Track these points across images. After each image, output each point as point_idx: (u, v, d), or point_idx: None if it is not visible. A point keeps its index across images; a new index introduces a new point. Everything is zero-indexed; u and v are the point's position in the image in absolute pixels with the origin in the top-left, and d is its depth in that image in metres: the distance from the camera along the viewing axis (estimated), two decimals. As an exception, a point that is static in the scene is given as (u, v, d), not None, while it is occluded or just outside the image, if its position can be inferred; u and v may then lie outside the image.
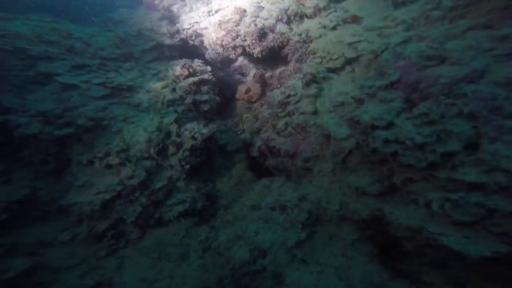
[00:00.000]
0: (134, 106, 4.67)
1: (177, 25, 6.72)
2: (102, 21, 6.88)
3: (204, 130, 4.63)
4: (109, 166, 3.94)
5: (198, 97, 5.26)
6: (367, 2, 5.52)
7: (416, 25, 4.18)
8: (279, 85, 5.88)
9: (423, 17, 4.10)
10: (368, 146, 3.30)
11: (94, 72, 4.95)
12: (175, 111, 4.79)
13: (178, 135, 4.62)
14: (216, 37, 5.27)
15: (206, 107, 5.38)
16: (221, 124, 5.74)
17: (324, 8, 5.39)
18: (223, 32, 5.22)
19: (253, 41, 5.10)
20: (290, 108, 5.00)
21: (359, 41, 4.72)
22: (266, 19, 5.22)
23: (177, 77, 5.36)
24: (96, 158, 3.82)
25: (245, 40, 5.13)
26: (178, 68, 5.33)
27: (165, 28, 6.49)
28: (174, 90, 5.11)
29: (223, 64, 7.46)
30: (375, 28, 4.77)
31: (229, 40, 5.12)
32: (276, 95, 5.25)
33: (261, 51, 5.21)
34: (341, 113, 4.08)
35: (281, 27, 5.14)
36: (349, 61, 4.96)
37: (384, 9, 5.47)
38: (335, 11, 5.34)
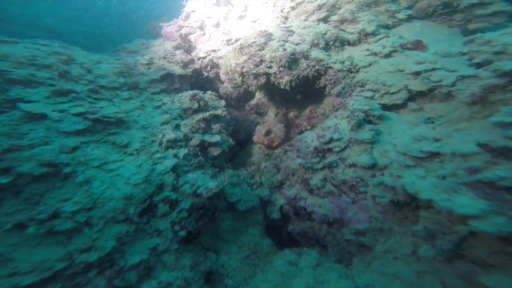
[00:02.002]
0: (119, 147, 3.42)
1: (193, 54, 5.86)
2: (115, 50, 6.18)
3: (212, 184, 3.22)
4: (53, 233, 2.53)
5: (207, 137, 3.98)
6: (426, 28, 4.37)
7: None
8: (309, 126, 4.54)
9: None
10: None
11: (79, 100, 3.88)
12: (175, 156, 3.48)
13: (175, 189, 3.24)
14: (236, 63, 4.22)
15: (216, 152, 4.06)
16: (233, 175, 4.34)
17: (373, 34, 4.27)
18: (244, 58, 4.17)
19: (281, 68, 3.96)
20: (331, 157, 3.56)
21: (432, 70, 3.41)
22: (297, 44, 4.15)
23: (184, 110, 4.19)
24: (34, 221, 2.44)
25: (270, 67, 4.01)
26: (186, 100, 4.19)
27: (178, 56, 5.62)
28: (177, 127, 3.88)
29: (238, 101, 6.37)
30: (455, 53, 3.49)
31: (251, 66, 4.03)
32: (309, 139, 3.88)
33: (290, 81, 4.03)
34: (438, 170, 2.54)
35: (317, 53, 4.02)
36: (414, 96, 3.61)
37: (450, 37, 4.27)
38: (387, 36, 4.19)
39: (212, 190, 3.16)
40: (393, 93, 3.64)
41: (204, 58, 5.59)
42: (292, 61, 4.05)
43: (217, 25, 6.08)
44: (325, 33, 4.30)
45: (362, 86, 3.90)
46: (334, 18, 4.48)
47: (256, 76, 4.19)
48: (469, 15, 4.21)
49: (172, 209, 3.21)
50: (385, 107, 3.71)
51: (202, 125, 4.05)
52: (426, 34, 4.14)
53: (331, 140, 3.55)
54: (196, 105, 4.11)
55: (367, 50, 4.11)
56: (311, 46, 4.18)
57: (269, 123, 4.80)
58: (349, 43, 4.35)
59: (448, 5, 4.25)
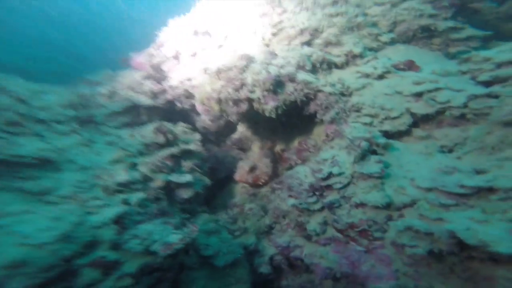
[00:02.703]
0: (32, 194, 2.47)
1: (164, 83, 5.25)
2: (74, 81, 5.42)
3: (174, 237, 2.32)
4: None
5: (174, 177, 3.16)
6: (411, 51, 4.12)
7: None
8: (300, 161, 3.89)
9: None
10: None
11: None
12: (124, 202, 2.59)
13: (115, 246, 2.28)
14: (212, 89, 3.63)
15: (186, 194, 3.22)
16: (210, 221, 3.46)
17: (360, 56, 3.91)
18: (222, 82, 3.60)
19: (265, 92, 3.40)
20: (332, 196, 2.84)
21: (436, 89, 2.97)
22: (282, 66, 3.68)
23: (146, 146, 3.40)
24: None
25: (253, 91, 3.44)
26: (149, 133, 3.43)
27: (147, 86, 4.97)
28: (134, 166, 3.05)
29: (218, 136, 5.68)
30: (455, 72, 3.12)
31: (230, 91, 3.44)
32: (302, 175, 3.18)
33: (276, 108, 3.45)
34: (506, 211, 1.85)
35: (304, 76, 3.54)
36: (418, 121, 3.12)
37: (437, 59, 4.02)
38: (376, 58, 3.85)
39: (173, 245, 2.26)
40: (395, 118, 3.14)
41: (177, 87, 4.98)
42: (278, 84, 3.52)
43: (194, 55, 5.62)
44: (311, 55, 3.89)
45: (358, 110, 3.38)
46: (317, 41, 4.13)
47: (237, 102, 3.58)
48: (447, 39, 4.14)
49: (107, 276, 2.21)
50: (387, 134, 3.17)
51: (169, 163, 3.25)
52: (412, 57, 3.84)
53: (330, 175, 2.87)
54: (162, 139, 3.35)
55: (357, 72, 3.69)
56: (297, 69, 3.71)
57: (253, 158, 4.09)
58: (336, 66, 3.94)
59: (426, 29, 4.13)
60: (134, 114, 4.69)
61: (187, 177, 3.24)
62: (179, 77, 5.10)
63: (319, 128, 4.27)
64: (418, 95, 3.10)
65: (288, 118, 4.00)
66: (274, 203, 3.78)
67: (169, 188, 3.14)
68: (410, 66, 3.57)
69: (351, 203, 2.77)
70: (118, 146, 3.38)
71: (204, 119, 5.49)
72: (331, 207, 2.88)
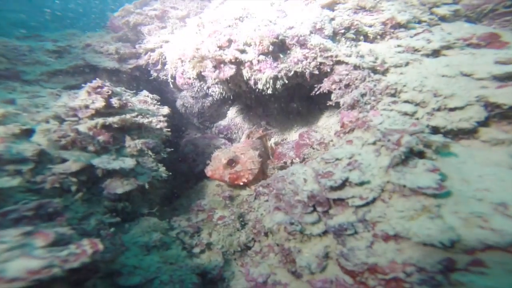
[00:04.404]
0: None
1: (138, 47, 4.15)
2: (20, 37, 4.31)
3: (34, 263, 1.17)
4: None
5: (99, 161, 2.02)
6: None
7: None
8: (298, 158, 2.77)
9: None
10: None
11: None
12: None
13: None
14: (188, 45, 2.53)
15: (121, 188, 2.08)
16: (155, 229, 2.30)
17: (405, 27, 2.79)
18: (203, 37, 2.50)
19: (261, 55, 2.30)
20: (343, 216, 1.71)
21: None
22: (290, 27, 2.58)
23: (72, 111, 2.27)
24: None
25: (244, 51, 2.35)
26: (81, 94, 2.30)
27: (113, 47, 3.87)
28: (26, 134, 1.91)
29: (203, 121, 4.58)
30: None
31: (212, 48, 2.32)
32: (301, 178, 2.03)
33: (274, 79, 2.35)
34: None
35: (320, 40, 2.45)
36: (496, 115, 2.00)
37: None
38: (429, 31, 2.73)
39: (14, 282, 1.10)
40: (455, 108, 2.02)
41: (153, 50, 3.88)
42: (281, 47, 2.42)
43: (185, 17, 4.52)
44: (333, 18, 2.78)
45: (394, 94, 2.26)
46: (345, 5, 3.00)
47: (219, 64, 2.47)
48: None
49: None
50: (437, 132, 2.06)
51: (103, 138, 2.12)
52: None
53: (344, 183, 1.74)
54: (100, 104, 2.21)
55: (399, 46, 2.58)
56: (311, 32, 2.61)
57: (235, 148, 2.96)
58: (367, 38, 2.83)
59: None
60: (89, 78, 3.58)
61: (126, 163, 2.10)
62: (156, 39, 4.00)
63: (328, 119, 3.16)
64: (503, 78, 1.98)
65: (288, 100, 2.90)
66: (256, 213, 2.68)
67: (93, 176, 2.01)
68: (491, 40, 2.42)
69: (375, 231, 1.64)
70: (18, 107, 2.25)
71: (185, 96, 4.40)
72: (339, 233, 1.74)
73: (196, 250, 2.52)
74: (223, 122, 4.40)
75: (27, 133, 1.79)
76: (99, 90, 2.27)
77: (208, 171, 2.74)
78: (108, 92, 2.34)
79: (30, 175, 1.66)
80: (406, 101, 2.19)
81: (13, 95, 2.48)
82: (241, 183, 2.81)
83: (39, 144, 1.77)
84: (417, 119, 2.12)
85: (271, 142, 3.47)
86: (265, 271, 2.27)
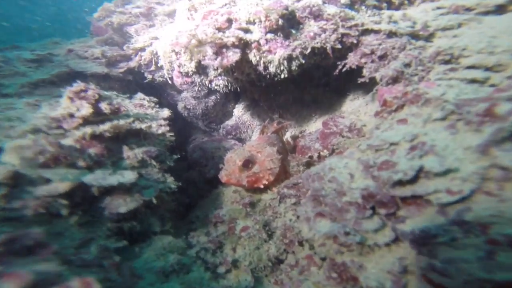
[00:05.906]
0: None
1: (126, 48, 3.77)
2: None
3: None
4: None
5: (92, 178, 1.65)
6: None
7: None
8: (326, 150, 2.39)
9: None
10: None
11: None
12: None
13: None
14: (180, 32, 2.17)
15: (124, 207, 1.71)
16: (171, 250, 1.93)
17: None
18: (195, 23, 2.13)
19: (269, 34, 1.92)
20: (424, 216, 1.33)
21: None
22: (299, -1, 2.20)
23: (54, 122, 1.89)
24: None
25: (248, 30, 1.97)
26: (63, 101, 1.92)
27: (98, 50, 3.49)
28: None
29: (209, 123, 4.21)
30: None
31: (210, 31, 1.95)
32: (344, 174, 1.65)
33: (289, 60, 1.97)
34: None
35: (337, 9, 2.08)
36: None
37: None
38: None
39: None
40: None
41: (143, 49, 3.50)
42: (290, 21, 2.04)
43: (173, 12, 4.13)
44: (348, -17, 2.40)
45: (450, 61, 1.87)
46: None
47: (220, 49, 2.08)
48: None
49: None
50: None
51: (95, 151, 1.74)
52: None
53: (418, 173, 1.35)
54: (86, 111, 1.83)
55: (438, 8, 2.19)
56: (324, 2, 2.23)
57: (250, 146, 2.58)
58: (390, 4, 2.44)
59: None
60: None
61: (125, 177, 1.73)
62: (144, 37, 3.63)
63: (352, 102, 2.77)
64: None
65: (302, 86, 2.51)
66: (284, 219, 2.31)
67: (89, 196, 1.63)
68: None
69: (491, 236, 1.25)
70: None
71: (186, 97, 4.02)
72: (423, 241, 1.35)
73: (221, 269, 2.14)
74: (230, 122, 4.04)
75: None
76: (82, 94, 1.88)
77: (223, 176, 2.36)
78: (94, 96, 1.96)
79: (4, 201, 1.30)
80: (471, 67, 1.80)
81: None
82: (262, 186, 2.43)
83: (13, 165, 1.40)
84: (493, 85, 1.73)
85: (287, 136, 3.09)
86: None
